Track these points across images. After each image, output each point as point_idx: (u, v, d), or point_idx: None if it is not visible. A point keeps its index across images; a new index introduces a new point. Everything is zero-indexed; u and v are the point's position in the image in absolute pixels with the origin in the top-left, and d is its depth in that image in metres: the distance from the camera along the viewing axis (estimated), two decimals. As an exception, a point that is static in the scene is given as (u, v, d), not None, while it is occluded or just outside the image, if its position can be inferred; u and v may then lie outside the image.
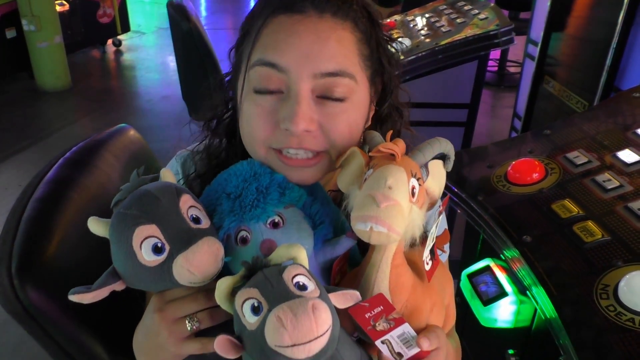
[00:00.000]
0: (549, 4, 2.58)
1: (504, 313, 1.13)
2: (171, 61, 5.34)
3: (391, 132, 0.66)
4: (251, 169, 0.68)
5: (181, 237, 0.59)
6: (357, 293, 0.58)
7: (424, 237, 0.64)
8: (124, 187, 0.65)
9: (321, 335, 0.49)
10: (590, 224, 1.00)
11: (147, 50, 6.46)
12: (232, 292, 0.55)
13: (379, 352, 0.57)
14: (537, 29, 2.74)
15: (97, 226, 0.63)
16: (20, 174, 3.42)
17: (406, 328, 0.59)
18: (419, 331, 0.60)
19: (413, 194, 0.58)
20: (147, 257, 0.59)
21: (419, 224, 0.59)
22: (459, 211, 1.26)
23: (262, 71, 0.68)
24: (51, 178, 0.89)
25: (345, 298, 0.57)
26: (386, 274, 0.61)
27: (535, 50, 2.74)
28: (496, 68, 5.37)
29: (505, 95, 4.93)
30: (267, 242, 0.62)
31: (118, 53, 6.25)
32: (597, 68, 2.25)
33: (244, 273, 0.55)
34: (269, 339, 0.49)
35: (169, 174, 0.67)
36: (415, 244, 0.61)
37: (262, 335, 0.50)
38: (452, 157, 0.64)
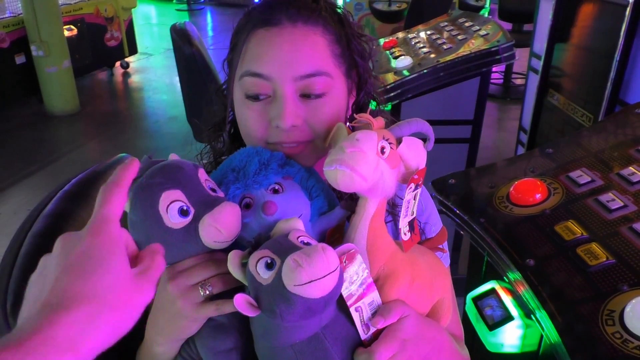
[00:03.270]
0: (551, 16, 2.58)
1: (510, 337, 1.10)
2: (178, 82, 5.39)
3: (370, 109, 0.77)
4: (253, 148, 0.76)
5: (204, 202, 0.64)
6: (353, 245, 0.63)
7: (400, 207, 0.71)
8: None
9: (333, 271, 0.55)
10: (594, 246, 0.98)
11: (154, 71, 6.54)
12: (242, 264, 0.60)
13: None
14: (540, 42, 2.73)
15: None
16: (29, 198, 3.45)
17: (375, 296, 0.64)
18: (392, 297, 0.65)
19: (383, 152, 0.63)
20: (173, 219, 0.62)
21: (390, 184, 0.64)
22: (462, 233, 1.24)
23: (250, 80, 0.76)
24: (49, 212, 0.89)
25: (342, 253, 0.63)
26: (364, 234, 0.66)
27: (539, 64, 2.73)
28: (502, 81, 5.36)
29: (512, 107, 4.92)
30: (268, 203, 0.68)
31: (126, 75, 6.33)
32: (601, 80, 2.23)
33: (251, 248, 0.61)
34: (287, 281, 0.54)
35: (177, 157, 0.73)
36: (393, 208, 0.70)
37: (280, 282, 0.55)
38: (432, 138, 0.71)
